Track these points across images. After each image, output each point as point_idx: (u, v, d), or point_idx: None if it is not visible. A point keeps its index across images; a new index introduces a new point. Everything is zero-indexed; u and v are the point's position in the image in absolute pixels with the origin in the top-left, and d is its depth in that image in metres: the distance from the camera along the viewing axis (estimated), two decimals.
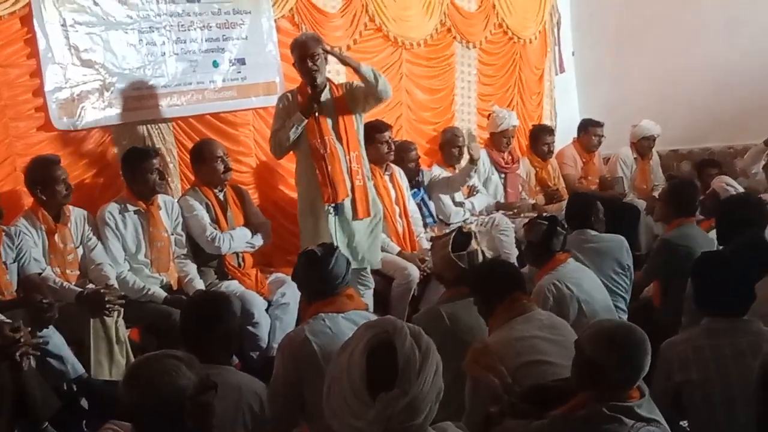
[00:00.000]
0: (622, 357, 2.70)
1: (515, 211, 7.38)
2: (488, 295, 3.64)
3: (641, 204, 7.85)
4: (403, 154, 6.71)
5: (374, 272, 5.81)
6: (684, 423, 3.43)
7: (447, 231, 5.73)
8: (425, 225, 6.77)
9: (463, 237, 4.14)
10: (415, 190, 6.80)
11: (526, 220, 6.66)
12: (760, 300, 3.50)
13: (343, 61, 5.65)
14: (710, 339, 3.35)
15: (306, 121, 5.36)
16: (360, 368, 2.20)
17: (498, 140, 7.74)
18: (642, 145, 8.30)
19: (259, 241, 5.55)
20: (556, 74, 9.46)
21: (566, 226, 4.66)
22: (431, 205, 6.92)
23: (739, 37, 8.50)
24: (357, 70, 5.41)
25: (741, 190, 5.87)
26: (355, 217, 5.50)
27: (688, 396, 3.32)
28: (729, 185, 5.73)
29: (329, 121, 5.44)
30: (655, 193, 7.90)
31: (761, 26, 8.35)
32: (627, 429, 2.64)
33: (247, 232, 5.49)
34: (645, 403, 2.75)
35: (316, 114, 5.36)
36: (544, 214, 5.04)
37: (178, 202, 5.42)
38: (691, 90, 8.77)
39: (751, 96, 8.36)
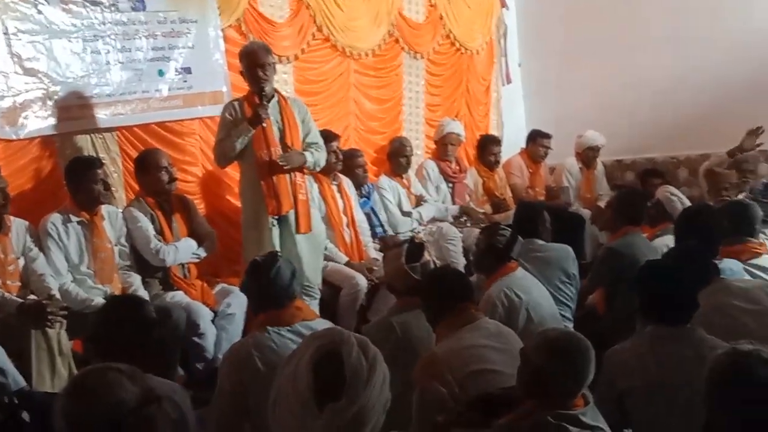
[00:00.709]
0: (567, 365, 2.73)
1: (483, 215, 7.43)
2: (437, 304, 3.66)
3: (586, 213, 7.95)
4: (349, 162, 6.70)
5: (322, 282, 5.79)
6: (628, 431, 3.45)
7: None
8: (375, 235, 6.77)
9: (415, 248, 4.16)
10: (364, 199, 6.80)
11: (475, 230, 6.77)
12: (703, 309, 3.57)
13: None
14: (653, 346, 3.39)
15: (253, 131, 5.33)
16: (307, 379, 2.20)
17: (440, 148, 7.81)
18: (587, 156, 8.43)
19: (203, 252, 5.50)
20: (503, 85, 9.57)
21: None
22: (381, 215, 6.92)
23: (681, 51, 8.68)
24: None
25: (685, 199, 5.96)
26: (297, 230, 5.47)
27: (631, 403, 3.35)
28: (673, 194, 5.82)
29: (276, 132, 5.42)
30: (600, 203, 8.02)
31: (702, 40, 8.52)
32: None
33: (193, 243, 5.44)
34: (589, 410, 2.77)
35: (263, 124, 5.34)
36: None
37: (122, 212, 5.35)
38: (634, 101, 8.93)
39: (693, 107, 8.54)
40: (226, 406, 3.52)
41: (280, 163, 5.33)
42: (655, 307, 3.51)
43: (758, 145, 7.18)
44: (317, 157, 5.61)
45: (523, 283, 4.44)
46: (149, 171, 5.40)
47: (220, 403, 3.55)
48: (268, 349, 3.46)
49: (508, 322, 4.08)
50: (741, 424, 2.20)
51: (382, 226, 6.89)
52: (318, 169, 5.80)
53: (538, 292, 4.48)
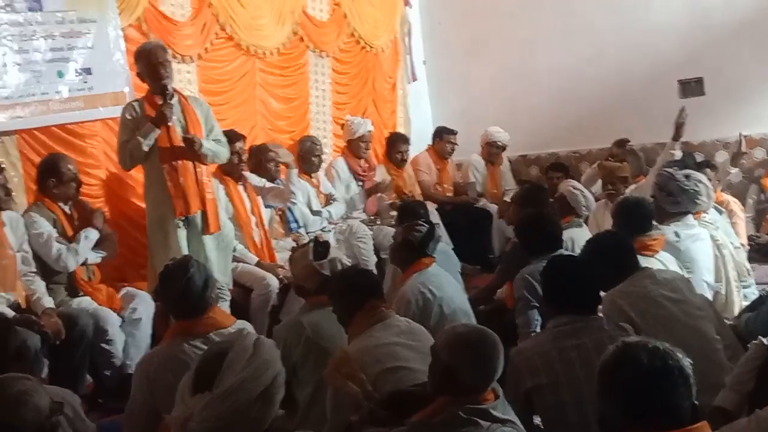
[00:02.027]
0: (476, 360, 2.77)
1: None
2: (346, 304, 3.67)
3: (493, 208, 8.09)
4: (261, 156, 6.65)
5: (233, 284, 5.75)
6: (537, 420, 3.52)
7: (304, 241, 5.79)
8: (290, 231, 6.74)
9: (321, 246, 4.16)
10: None
11: (386, 228, 6.82)
12: (633, 297, 3.78)
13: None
14: (556, 342, 3.44)
15: (159, 131, 5.25)
16: (190, 374, 2.28)
17: (356, 146, 7.81)
18: (489, 151, 8.58)
19: (104, 251, 5.40)
20: (409, 83, 9.65)
21: None
22: (296, 211, 6.87)
23: (577, 46, 8.91)
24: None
25: (587, 192, 6.11)
26: (205, 231, 5.43)
27: (539, 400, 3.40)
28: (575, 188, 5.95)
29: (179, 131, 5.36)
30: (507, 198, 8.14)
31: (597, 34, 8.78)
32: (483, 431, 2.70)
33: (93, 234, 5.28)
34: (500, 404, 2.82)
35: (168, 124, 5.26)
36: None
37: (23, 217, 5.21)
38: (535, 97, 9.12)
39: (592, 101, 8.80)
40: (138, 416, 3.50)
41: (189, 139, 5.26)
42: (558, 298, 3.60)
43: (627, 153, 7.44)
44: (217, 148, 5.55)
45: (437, 279, 4.50)
46: (59, 177, 5.25)
47: (133, 413, 3.53)
48: (181, 362, 3.35)
49: (423, 317, 4.13)
50: (623, 411, 2.27)
51: (297, 221, 6.85)
52: (218, 162, 5.73)
53: (451, 288, 4.55)
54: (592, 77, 8.81)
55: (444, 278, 4.59)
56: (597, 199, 6.45)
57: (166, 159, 5.30)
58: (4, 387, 2.46)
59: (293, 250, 4.96)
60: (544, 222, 4.90)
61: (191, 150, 5.30)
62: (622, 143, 7.35)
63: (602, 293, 3.80)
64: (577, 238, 5.29)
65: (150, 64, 5.30)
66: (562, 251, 4.75)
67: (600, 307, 3.77)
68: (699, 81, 8.46)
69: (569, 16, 8.98)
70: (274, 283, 5.90)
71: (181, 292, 3.54)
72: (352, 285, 3.70)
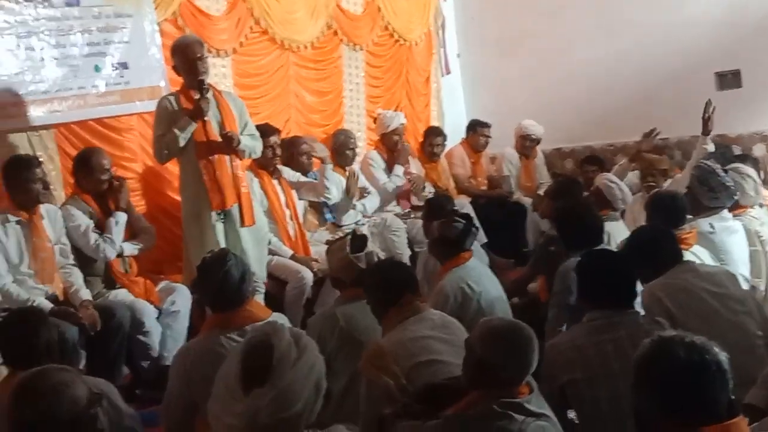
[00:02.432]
0: (510, 354, 2.76)
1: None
2: (382, 297, 3.66)
3: (527, 201, 8.06)
4: (293, 150, 6.67)
5: (267, 276, 5.79)
6: (572, 415, 3.50)
7: (340, 234, 5.81)
8: (324, 222, 6.76)
9: (358, 239, 4.17)
10: None
11: (419, 222, 6.81)
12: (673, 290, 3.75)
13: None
14: (591, 336, 3.42)
15: (195, 125, 5.29)
16: (236, 368, 2.25)
17: (389, 140, 7.80)
18: (523, 145, 8.52)
19: (142, 244, 5.45)
20: (443, 76, 9.62)
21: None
22: (330, 203, 6.88)
23: (614, 40, 8.81)
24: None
25: (623, 186, 6.06)
26: (242, 224, 5.46)
27: (573, 394, 3.38)
28: (612, 182, 5.90)
29: (215, 126, 5.39)
30: (541, 191, 8.11)
31: (633, 28, 8.67)
32: (517, 424, 2.69)
33: (122, 217, 5.32)
34: (534, 398, 2.81)
35: (205, 118, 5.30)
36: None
37: (60, 210, 5.27)
38: (570, 90, 9.04)
39: (628, 94, 8.71)
40: (176, 408, 3.53)
41: (228, 135, 5.30)
42: (594, 292, 3.57)
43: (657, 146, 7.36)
44: (253, 144, 5.59)
45: (476, 274, 4.48)
46: (92, 171, 5.32)
47: (171, 405, 3.57)
48: (218, 355, 3.37)
49: (461, 312, 4.12)
50: (659, 406, 2.25)
51: (331, 212, 6.87)
52: (253, 156, 5.77)
53: (489, 283, 4.53)
54: (629, 69, 8.72)
55: (482, 272, 4.58)
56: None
57: (202, 153, 5.33)
58: (42, 378, 2.49)
59: (329, 242, 4.98)
60: (585, 215, 4.84)
61: (229, 146, 5.34)
62: (648, 134, 7.26)
63: (642, 286, 3.77)
64: (613, 232, 5.25)
65: (187, 58, 5.33)
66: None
67: (637, 300, 3.74)
68: (736, 73, 8.36)
69: (605, 8, 8.90)
70: (308, 275, 5.92)
71: (219, 285, 3.57)
72: (388, 278, 3.69)
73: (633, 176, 6.84)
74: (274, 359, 2.21)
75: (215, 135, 5.37)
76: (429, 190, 7.84)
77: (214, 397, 2.29)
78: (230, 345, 3.42)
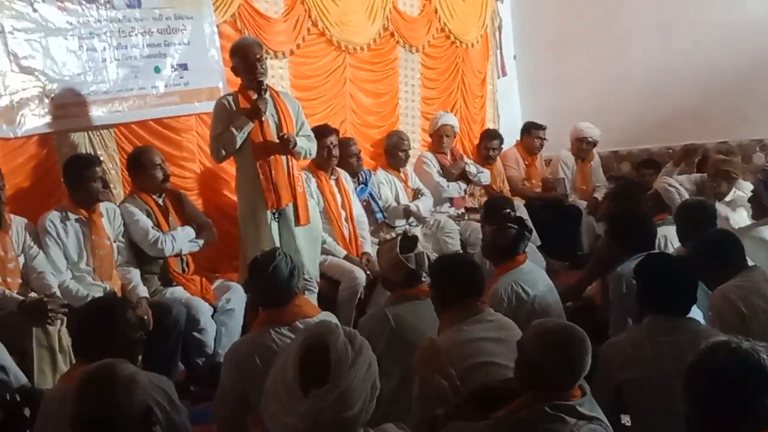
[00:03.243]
0: (563, 357, 2.75)
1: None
2: (448, 294, 3.65)
3: (582, 204, 8.00)
4: (343, 151, 6.70)
5: (321, 276, 5.82)
6: (625, 420, 3.48)
7: (393, 235, 5.82)
8: (374, 221, 6.80)
9: (408, 241, 4.17)
10: (362, 186, 6.82)
11: (473, 224, 6.80)
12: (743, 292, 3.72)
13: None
14: (650, 337, 3.41)
15: (252, 124, 5.34)
16: (293, 368, 2.25)
17: (435, 140, 7.82)
18: (579, 147, 8.46)
19: (202, 240, 5.51)
20: (499, 78, 9.59)
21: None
22: (380, 201, 6.93)
23: (672, 40, 8.72)
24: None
25: (682, 189, 5.99)
26: (297, 223, 5.50)
27: (629, 394, 3.37)
28: (671, 185, 5.83)
29: (272, 126, 5.44)
30: (597, 194, 8.05)
31: (692, 29, 8.56)
32: (569, 428, 2.68)
33: (190, 231, 5.45)
34: (586, 401, 2.79)
35: (262, 118, 5.35)
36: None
37: (119, 208, 5.37)
38: (628, 92, 8.95)
39: (686, 97, 8.58)
40: (228, 403, 3.58)
41: (285, 137, 5.34)
42: (653, 298, 3.54)
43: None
44: (309, 145, 5.63)
45: (531, 277, 4.45)
46: (143, 169, 5.41)
47: (223, 400, 3.62)
48: (269, 349, 3.46)
49: (515, 316, 4.08)
50: (704, 411, 2.22)
51: (382, 212, 6.89)
52: (309, 158, 5.81)
53: (545, 286, 4.50)
54: (687, 72, 8.60)
55: (537, 275, 4.55)
56: None
57: (259, 153, 5.38)
58: (115, 371, 2.53)
59: (380, 243, 5.00)
60: (642, 218, 4.79)
61: (285, 148, 5.38)
62: (687, 153, 7.01)
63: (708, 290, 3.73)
64: (670, 235, 5.19)
65: (246, 60, 5.38)
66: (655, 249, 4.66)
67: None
68: None
69: (662, 10, 8.79)
70: (361, 276, 5.94)
71: (268, 281, 3.62)
72: (461, 277, 3.67)
73: (685, 179, 6.72)
74: (332, 360, 2.22)
75: (272, 135, 5.42)
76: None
77: (271, 396, 2.31)
78: (281, 340, 3.49)
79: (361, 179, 6.85)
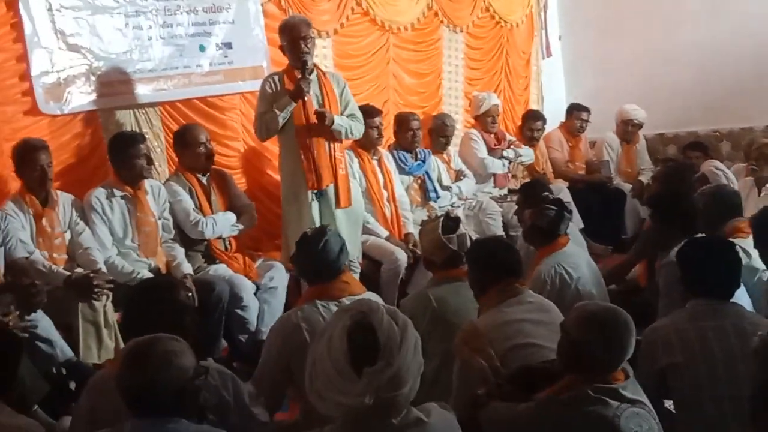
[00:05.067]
0: (606, 339, 2.73)
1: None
2: (485, 275, 3.64)
3: (627, 187, 7.91)
4: (402, 125, 6.75)
5: (363, 256, 5.83)
6: (668, 404, 3.45)
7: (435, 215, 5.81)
8: (428, 199, 6.79)
9: (451, 221, 4.16)
10: (419, 162, 6.82)
11: (514, 205, 6.76)
12: None
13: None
14: (694, 322, 3.37)
15: (295, 104, 5.33)
16: (342, 348, 2.27)
17: (483, 121, 7.77)
18: (624, 129, 8.34)
19: (242, 225, 5.55)
20: (543, 58, 9.49)
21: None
22: (434, 179, 6.93)
23: (721, 21, 8.57)
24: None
25: (730, 173, 5.90)
26: (337, 205, 5.50)
27: (673, 378, 3.34)
28: (718, 169, 5.76)
29: (316, 106, 5.43)
30: (642, 177, 7.96)
31: (742, 10, 8.42)
32: (612, 410, 2.66)
33: (231, 216, 5.49)
34: (630, 384, 2.78)
35: (305, 98, 5.35)
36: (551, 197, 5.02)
37: (162, 185, 5.42)
38: (676, 74, 8.82)
39: (735, 79, 8.44)
40: (270, 372, 3.61)
41: (320, 112, 5.33)
42: (696, 282, 3.50)
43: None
44: (350, 124, 5.58)
45: (573, 259, 4.42)
46: (188, 146, 5.47)
47: (264, 371, 3.64)
48: (317, 322, 3.49)
49: (558, 298, 4.05)
50: None
51: (435, 191, 6.88)
52: (352, 137, 5.79)
53: (588, 268, 4.47)
54: (736, 53, 8.44)
55: (580, 258, 4.52)
56: None
57: (301, 133, 5.37)
58: (152, 346, 2.56)
59: (423, 223, 4.99)
60: (689, 201, 4.72)
61: (321, 124, 5.37)
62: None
63: None
64: None
65: (293, 38, 5.36)
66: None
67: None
68: None
69: None
70: (402, 257, 5.95)
71: (318, 255, 3.63)
72: (496, 258, 3.66)
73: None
74: (380, 338, 2.23)
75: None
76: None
77: (319, 374, 2.31)
78: (328, 314, 3.48)
79: (419, 156, 6.84)
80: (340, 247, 3.69)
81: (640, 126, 8.36)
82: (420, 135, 6.86)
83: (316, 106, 5.42)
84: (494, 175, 7.61)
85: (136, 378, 2.50)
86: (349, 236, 5.52)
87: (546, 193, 5.20)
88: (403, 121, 6.80)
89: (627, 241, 7.37)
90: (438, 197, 6.87)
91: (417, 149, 6.83)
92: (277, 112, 5.31)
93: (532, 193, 5.28)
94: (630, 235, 7.60)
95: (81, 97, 5.33)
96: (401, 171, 6.66)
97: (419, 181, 6.80)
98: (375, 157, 6.39)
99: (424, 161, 6.85)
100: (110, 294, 4.55)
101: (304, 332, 3.49)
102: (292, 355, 3.50)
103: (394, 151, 6.76)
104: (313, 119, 5.37)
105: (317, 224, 5.27)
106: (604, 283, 4.58)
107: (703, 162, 6.54)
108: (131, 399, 2.53)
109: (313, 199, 5.43)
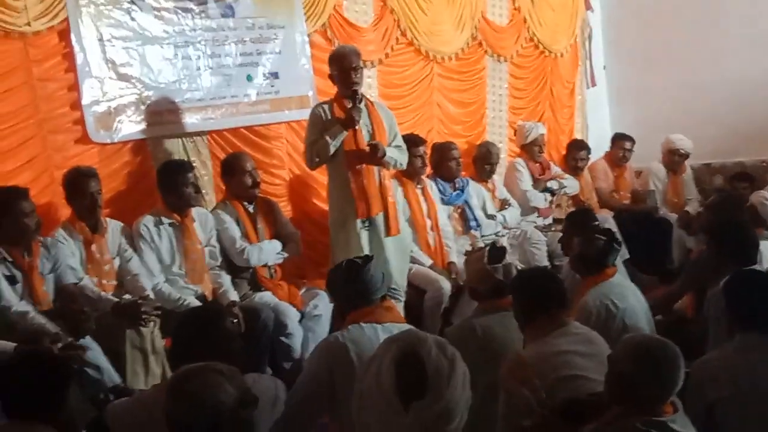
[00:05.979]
0: (655, 371, 2.71)
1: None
2: (530, 306, 3.61)
3: (673, 217, 7.84)
4: (442, 154, 6.76)
5: (407, 285, 5.83)
6: None
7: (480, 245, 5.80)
8: (469, 229, 6.79)
9: (497, 251, 4.15)
10: (458, 192, 6.83)
11: (559, 234, 6.72)
12: None
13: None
14: (741, 355, 3.34)
15: (346, 133, 5.37)
16: (390, 379, 2.24)
17: (530, 150, 7.78)
18: (671, 159, 8.28)
19: (287, 253, 5.59)
20: (588, 88, 9.47)
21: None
22: (475, 209, 6.93)
23: (764, 52, 8.50)
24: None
25: None
26: (387, 233, 5.52)
27: (721, 413, 3.29)
28: (767, 199, 5.67)
29: (366, 135, 5.47)
30: (689, 207, 7.88)
31: None
32: None
33: (277, 245, 5.54)
34: (679, 418, 2.75)
35: (356, 127, 5.38)
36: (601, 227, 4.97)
37: (210, 213, 5.48)
38: (721, 104, 8.74)
39: None
40: (305, 389, 3.51)
41: (374, 145, 5.36)
42: (745, 315, 3.46)
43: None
44: (399, 155, 5.63)
45: (620, 291, 4.34)
46: (234, 174, 5.54)
47: (299, 387, 3.53)
48: (363, 343, 3.41)
49: (604, 329, 4.00)
50: None
51: (476, 219, 6.87)
52: (399, 168, 5.83)
53: (635, 299, 4.40)
54: None
55: (627, 289, 4.44)
56: None
57: (351, 162, 5.41)
58: (184, 380, 2.54)
59: (468, 253, 4.97)
60: (749, 231, 4.65)
61: (374, 156, 5.40)
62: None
63: None
64: (764, 251, 5.04)
65: (343, 68, 5.41)
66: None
67: None
68: None
69: (756, 22, 8.58)
70: (446, 285, 5.94)
71: (364, 282, 3.60)
72: (542, 289, 3.63)
73: None
74: (428, 371, 2.21)
75: (365, 145, 5.43)
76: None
77: (368, 405, 2.29)
78: (375, 336, 3.41)
79: (458, 186, 6.85)
80: (382, 277, 3.69)
81: (686, 156, 8.29)
82: (460, 164, 6.87)
83: (365, 135, 5.46)
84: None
85: (174, 408, 2.51)
86: (397, 265, 5.56)
87: (595, 222, 5.16)
88: (442, 151, 6.81)
89: (673, 271, 7.28)
90: (478, 226, 6.85)
91: (456, 179, 6.84)
92: (329, 141, 5.34)
93: (580, 222, 5.25)
94: (676, 265, 7.52)
95: (131, 126, 5.42)
96: (441, 201, 6.68)
97: (459, 210, 6.81)
98: (419, 186, 6.42)
99: (462, 191, 6.86)
100: (158, 320, 4.60)
101: (351, 352, 3.39)
102: (334, 374, 3.42)
103: (434, 181, 6.78)
104: (363, 147, 5.40)
105: (366, 252, 5.29)
106: (651, 314, 4.53)
107: (751, 192, 6.45)
108: (178, 429, 2.54)
109: (362, 228, 5.46)
